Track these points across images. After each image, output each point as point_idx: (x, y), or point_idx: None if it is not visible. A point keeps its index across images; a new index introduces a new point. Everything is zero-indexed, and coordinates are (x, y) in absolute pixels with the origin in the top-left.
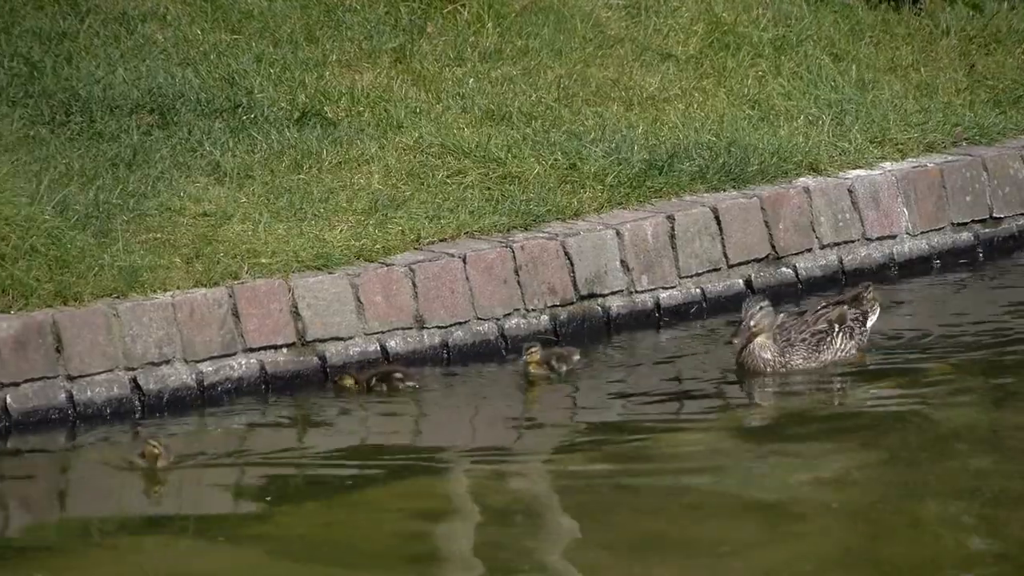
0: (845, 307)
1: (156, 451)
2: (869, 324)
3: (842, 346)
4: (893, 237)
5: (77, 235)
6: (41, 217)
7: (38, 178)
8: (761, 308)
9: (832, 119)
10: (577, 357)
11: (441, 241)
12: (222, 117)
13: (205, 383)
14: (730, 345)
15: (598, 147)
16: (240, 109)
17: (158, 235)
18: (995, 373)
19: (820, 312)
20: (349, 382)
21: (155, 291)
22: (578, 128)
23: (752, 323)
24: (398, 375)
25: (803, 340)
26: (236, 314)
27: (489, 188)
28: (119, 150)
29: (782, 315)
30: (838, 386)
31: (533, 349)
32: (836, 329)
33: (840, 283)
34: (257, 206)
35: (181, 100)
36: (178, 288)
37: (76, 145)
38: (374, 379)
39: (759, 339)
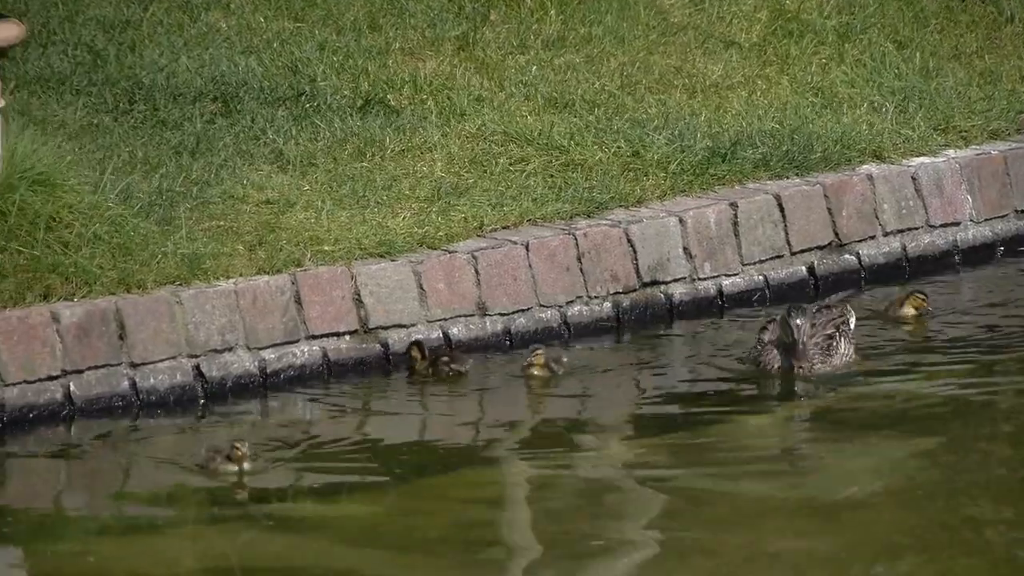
0: (847, 310)
1: (241, 452)
2: (852, 325)
3: (845, 351)
4: (957, 224)
5: (140, 223)
6: (104, 205)
7: (101, 166)
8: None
9: (896, 106)
10: (565, 359)
11: (504, 228)
12: (285, 105)
13: (268, 370)
14: (801, 370)
15: (661, 135)
16: (303, 97)
17: (221, 223)
18: None
19: (820, 317)
20: (416, 354)
21: (218, 278)
22: (641, 116)
23: (805, 337)
24: (444, 359)
25: (815, 343)
26: (299, 301)
27: (552, 176)
28: (182, 138)
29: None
30: (884, 379)
31: (539, 352)
32: (839, 333)
33: (904, 270)
34: (320, 194)
35: (244, 88)
36: (241, 275)
37: (139, 133)
38: (429, 368)
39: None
